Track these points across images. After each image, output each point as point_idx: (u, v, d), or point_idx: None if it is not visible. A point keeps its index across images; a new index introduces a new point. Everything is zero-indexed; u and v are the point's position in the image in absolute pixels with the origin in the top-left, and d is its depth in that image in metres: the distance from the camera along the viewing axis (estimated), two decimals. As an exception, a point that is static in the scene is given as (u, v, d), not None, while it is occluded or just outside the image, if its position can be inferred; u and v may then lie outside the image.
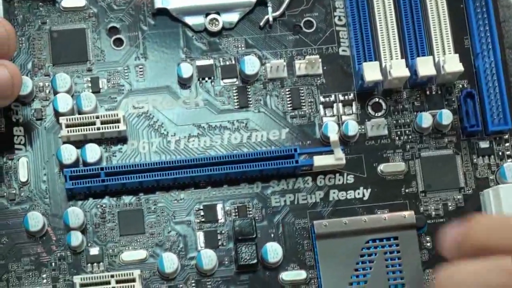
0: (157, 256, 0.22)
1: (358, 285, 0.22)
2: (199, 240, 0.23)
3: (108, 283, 0.21)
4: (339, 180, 0.23)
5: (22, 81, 0.22)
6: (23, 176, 0.23)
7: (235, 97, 0.24)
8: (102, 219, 0.23)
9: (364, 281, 0.22)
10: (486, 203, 0.23)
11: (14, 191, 0.23)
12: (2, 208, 0.23)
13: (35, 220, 0.22)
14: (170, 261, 0.22)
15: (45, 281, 0.22)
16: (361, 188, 0.23)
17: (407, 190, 0.23)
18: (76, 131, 0.22)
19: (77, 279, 0.22)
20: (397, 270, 0.22)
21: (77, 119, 0.23)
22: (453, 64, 0.23)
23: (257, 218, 0.23)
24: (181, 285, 0.22)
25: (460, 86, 0.24)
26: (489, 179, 0.24)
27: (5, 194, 0.23)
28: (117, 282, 0.21)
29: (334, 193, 0.23)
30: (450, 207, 0.23)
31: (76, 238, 0.22)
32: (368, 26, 0.24)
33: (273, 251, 0.22)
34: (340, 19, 0.25)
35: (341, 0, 0.25)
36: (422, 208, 0.23)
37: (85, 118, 0.22)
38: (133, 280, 0.22)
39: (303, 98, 0.24)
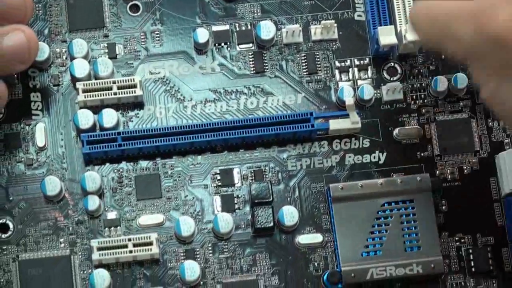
0: (174, 220, 0.23)
1: (374, 247, 0.22)
2: (216, 204, 0.23)
3: (126, 246, 0.22)
4: (355, 144, 0.23)
5: (39, 46, 0.23)
6: (40, 141, 0.23)
7: (251, 62, 0.24)
8: (119, 183, 0.23)
9: (380, 244, 0.22)
10: (501, 166, 0.23)
11: (31, 156, 0.23)
12: (19, 173, 0.23)
13: (53, 185, 0.22)
14: (187, 225, 0.22)
15: (62, 245, 0.22)
16: (377, 152, 0.23)
17: (422, 154, 0.23)
18: (92, 96, 0.23)
19: (94, 243, 0.22)
20: (412, 233, 0.23)
21: (94, 85, 0.23)
22: None
23: (273, 182, 0.23)
24: (197, 249, 0.23)
25: None
26: (504, 143, 0.24)
27: (22, 159, 0.23)
28: (134, 245, 0.22)
29: (350, 157, 0.23)
30: (466, 171, 0.24)
31: (93, 203, 0.22)
32: None
33: (289, 215, 0.23)
34: None
35: None
36: (437, 172, 0.23)
37: (102, 84, 0.23)
38: (150, 244, 0.22)
39: (318, 63, 0.24)
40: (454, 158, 0.24)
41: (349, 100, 0.23)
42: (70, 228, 0.23)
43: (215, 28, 0.25)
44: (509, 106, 0.19)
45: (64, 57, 0.24)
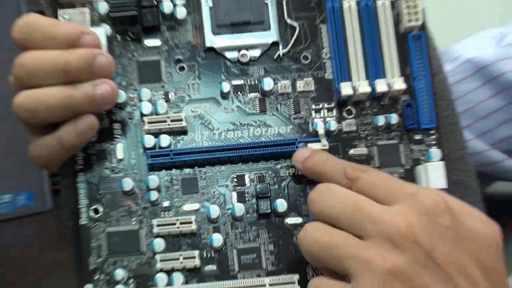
0: (206, 207, 0.31)
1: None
2: (233, 197, 0.32)
3: (174, 224, 0.30)
4: (324, 159, 0.33)
5: (119, 93, 0.31)
6: (119, 155, 0.32)
7: (257, 105, 0.33)
8: (170, 183, 0.32)
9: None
10: (418, 175, 0.32)
11: (114, 165, 0.32)
12: (106, 176, 0.31)
13: (127, 184, 0.31)
14: (214, 210, 0.31)
15: (134, 223, 0.31)
16: (338, 164, 0.33)
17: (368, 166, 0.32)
18: (154, 126, 0.31)
19: (154, 221, 0.31)
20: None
21: (155, 119, 0.31)
22: (399, 84, 0.31)
23: (270, 183, 0.32)
24: (221, 226, 0.31)
25: (403, 98, 0.32)
26: (420, 159, 0.32)
27: (108, 166, 0.31)
28: (180, 223, 0.31)
29: (321, 167, 0.33)
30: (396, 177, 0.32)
31: (153, 195, 0.31)
32: (344, 58, 0.32)
33: (281, 205, 0.31)
34: (326, 54, 0.33)
35: (327, 41, 0.33)
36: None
37: (160, 118, 0.31)
38: (190, 222, 0.31)
39: (301, 106, 0.33)
40: (388, 169, 0.32)
41: (321, 130, 0.31)
42: (139, 212, 0.31)
43: (234, 82, 0.32)
44: None
45: (135, 100, 0.32)
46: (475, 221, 0.25)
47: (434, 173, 0.31)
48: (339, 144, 0.33)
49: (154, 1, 0.32)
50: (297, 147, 0.31)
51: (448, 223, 0.24)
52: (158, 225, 0.31)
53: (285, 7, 0.33)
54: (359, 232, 0.25)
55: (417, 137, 0.33)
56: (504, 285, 0.25)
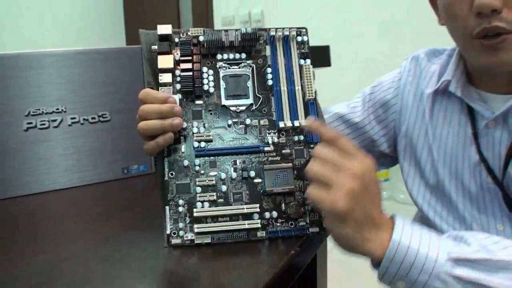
0: (219, 174, 0.71)
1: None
2: (231, 170, 0.70)
3: (205, 180, 0.69)
4: (271, 154, 0.74)
5: (183, 123, 0.73)
6: (183, 150, 0.71)
7: (243, 130, 0.72)
8: (204, 163, 0.69)
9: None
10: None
11: (180, 154, 0.69)
12: (176, 159, 0.69)
13: (186, 162, 0.69)
14: (223, 175, 0.71)
15: (188, 179, 0.71)
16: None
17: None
18: (198, 138, 0.73)
19: (197, 179, 0.69)
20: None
21: (198, 135, 0.74)
22: (304, 122, 0.73)
23: (248, 163, 0.69)
24: (226, 182, 0.70)
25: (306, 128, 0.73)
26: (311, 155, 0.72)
27: (177, 155, 0.69)
28: (208, 180, 0.70)
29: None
30: (303, 162, 0.70)
31: (196, 168, 0.72)
32: (280, 113, 0.75)
33: (252, 173, 0.71)
34: (273, 109, 0.76)
35: (273, 105, 0.77)
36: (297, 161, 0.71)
37: (200, 135, 0.74)
38: (212, 181, 0.70)
39: (262, 131, 0.70)
40: (298, 159, 0.73)
41: (270, 141, 0.74)
42: (189, 175, 0.70)
43: (233, 120, 0.74)
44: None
45: (190, 126, 0.70)
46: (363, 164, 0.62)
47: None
48: (277, 147, 0.70)
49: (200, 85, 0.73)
50: (261, 149, 0.71)
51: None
52: (198, 181, 0.67)
53: (256, 87, 0.75)
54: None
55: (312, 145, 0.72)
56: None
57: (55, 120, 0.97)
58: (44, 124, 0.96)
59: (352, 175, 0.59)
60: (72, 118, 0.99)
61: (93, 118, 1.01)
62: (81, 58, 1.00)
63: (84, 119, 1.00)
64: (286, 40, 0.75)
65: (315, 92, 0.73)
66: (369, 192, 0.60)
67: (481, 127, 0.85)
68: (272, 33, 0.75)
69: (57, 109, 0.98)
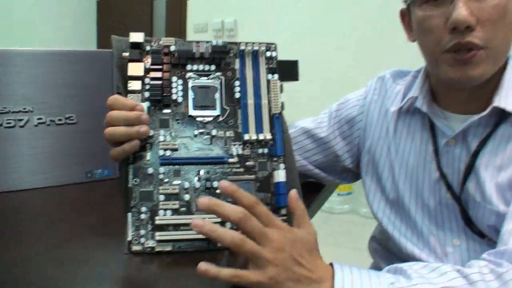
0: (183, 182, 0.73)
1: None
2: (195, 180, 0.73)
3: (168, 189, 0.71)
4: (236, 165, 0.75)
5: (149, 131, 0.75)
6: (148, 157, 0.72)
7: (210, 140, 0.74)
8: (168, 171, 0.71)
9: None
10: (276, 174, 0.75)
11: (145, 161, 0.71)
12: (141, 166, 0.72)
13: (150, 170, 0.71)
14: (186, 184, 0.73)
15: (151, 187, 0.73)
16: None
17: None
18: (164, 147, 0.74)
19: (160, 187, 0.71)
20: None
21: (164, 143, 0.75)
22: (268, 135, 0.75)
23: (211, 173, 0.71)
24: (189, 191, 0.73)
25: (270, 142, 0.73)
26: (275, 167, 0.72)
27: (143, 162, 0.72)
28: (172, 189, 0.72)
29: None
30: (266, 174, 0.74)
31: (161, 176, 0.73)
32: (246, 125, 0.77)
33: (216, 183, 0.74)
34: (240, 121, 0.77)
35: (240, 117, 0.79)
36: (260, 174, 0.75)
37: (166, 143, 0.75)
38: (175, 189, 0.73)
39: (227, 142, 0.73)
40: (262, 172, 0.75)
41: (235, 153, 0.76)
42: (153, 183, 0.73)
43: (200, 130, 0.76)
44: None
45: (156, 134, 0.74)
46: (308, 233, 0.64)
47: (281, 173, 0.73)
48: (241, 159, 0.72)
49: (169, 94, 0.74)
50: (225, 161, 0.72)
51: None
52: (162, 189, 0.68)
53: (223, 99, 0.76)
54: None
55: (275, 159, 0.75)
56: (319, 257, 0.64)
57: (21, 120, 0.97)
58: (10, 123, 0.96)
59: (275, 249, 0.59)
60: (38, 119, 0.99)
61: (60, 120, 1.01)
62: (51, 58, 1.00)
63: (50, 120, 1.00)
64: (255, 54, 0.77)
65: (281, 106, 0.75)
66: (297, 255, 0.60)
67: (442, 145, 0.89)
68: (242, 47, 0.76)
69: (24, 108, 0.97)
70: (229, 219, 0.58)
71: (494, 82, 0.84)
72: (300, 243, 0.61)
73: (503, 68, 0.86)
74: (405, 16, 0.94)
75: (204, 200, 0.59)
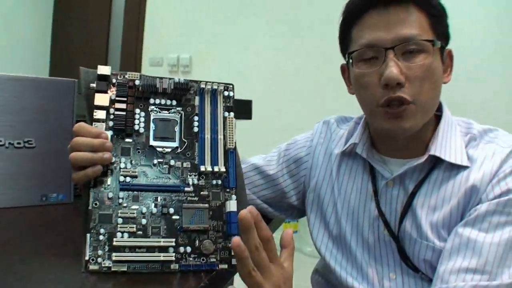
0: (141, 207, 0.78)
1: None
2: (152, 205, 0.76)
3: (127, 213, 0.75)
4: (191, 194, 0.81)
5: (112, 157, 0.79)
6: (108, 182, 0.76)
7: (167, 169, 0.80)
8: (127, 196, 0.76)
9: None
10: (227, 204, 0.79)
11: (105, 186, 0.76)
12: (102, 191, 0.76)
13: (110, 194, 0.77)
14: (144, 209, 0.78)
15: (110, 210, 0.75)
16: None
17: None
18: (124, 173, 0.79)
19: (119, 211, 0.74)
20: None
21: (125, 170, 0.79)
22: (222, 168, 0.82)
23: (168, 201, 0.76)
24: (146, 216, 0.78)
25: (224, 174, 0.80)
26: (228, 198, 0.78)
27: (103, 187, 0.75)
28: (130, 213, 0.76)
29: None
30: (218, 204, 0.80)
31: (120, 200, 0.77)
32: (202, 157, 0.83)
33: (171, 210, 0.77)
34: (197, 153, 0.83)
35: (197, 151, 0.84)
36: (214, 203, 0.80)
37: (127, 171, 0.79)
38: (133, 213, 0.77)
39: (184, 172, 0.78)
40: (215, 201, 0.80)
41: (191, 182, 0.81)
42: (112, 206, 0.77)
43: (158, 160, 0.80)
44: None
45: (118, 161, 0.77)
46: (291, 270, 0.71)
47: (233, 204, 0.79)
48: (197, 189, 0.79)
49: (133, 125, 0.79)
50: (181, 189, 0.78)
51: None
52: (120, 213, 0.72)
53: (182, 132, 0.82)
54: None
55: (228, 190, 0.81)
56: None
57: (-20, 142, 0.99)
58: (-32, 144, 0.98)
59: (274, 284, 0.67)
60: (-3, 141, 1.01)
61: (19, 143, 1.04)
62: (13, 84, 1.04)
63: (9, 143, 1.03)
64: (214, 93, 0.84)
65: (235, 142, 0.81)
66: None
67: (381, 186, 0.97)
68: (202, 85, 0.83)
69: (-17, 131, 1.00)
70: (248, 243, 0.65)
71: (427, 133, 0.95)
72: (289, 281, 0.70)
73: (438, 120, 0.97)
74: (345, 71, 1.04)
75: (247, 217, 0.65)
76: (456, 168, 0.90)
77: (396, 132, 0.89)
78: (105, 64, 4.27)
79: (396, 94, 0.85)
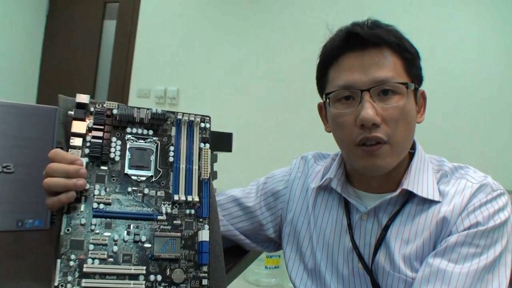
0: (113, 234, 0.77)
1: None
2: (125, 233, 0.78)
3: (99, 239, 0.75)
4: (163, 222, 0.82)
5: (86, 184, 0.79)
6: (82, 208, 0.77)
7: (141, 198, 0.80)
8: (100, 223, 0.76)
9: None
10: (200, 234, 0.82)
11: (79, 212, 0.76)
12: (75, 216, 0.77)
13: (83, 220, 0.78)
14: (116, 236, 0.78)
15: (82, 236, 0.75)
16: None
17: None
18: (98, 200, 0.79)
19: (91, 237, 0.76)
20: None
21: (99, 197, 0.80)
22: (196, 198, 0.83)
23: (141, 228, 0.78)
24: (118, 243, 0.78)
25: (198, 204, 0.83)
26: (200, 228, 0.80)
27: (77, 213, 0.77)
28: (102, 240, 0.77)
29: (161, 225, 0.81)
30: (191, 233, 0.82)
31: (92, 227, 0.78)
32: (176, 188, 0.84)
33: (143, 237, 0.78)
34: (172, 183, 0.84)
35: (172, 179, 0.85)
36: (186, 232, 0.81)
37: (100, 197, 0.80)
38: (105, 240, 0.77)
39: (158, 201, 0.80)
40: (187, 230, 0.82)
41: (164, 211, 0.82)
42: (85, 233, 0.78)
43: (133, 188, 0.82)
44: None
45: (92, 188, 0.78)
46: None
47: (205, 233, 0.79)
48: (170, 217, 0.80)
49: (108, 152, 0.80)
50: (155, 218, 0.79)
51: None
52: (92, 239, 0.73)
53: (158, 161, 0.83)
54: None
55: (201, 219, 0.82)
56: None
57: (-43, 165, 1.00)
58: None
59: None
60: (-25, 165, 1.02)
61: (-3, 168, 1.04)
62: (-5, 109, 1.05)
63: (-13, 167, 1.03)
64: (190, 124, 0.85)
65: (210, 173, 0.83)
66: None
67: (355, 219, 1.00)
68: (179, 116, 0.85)
69: (-38, 155, 1.00)
70: None
71: (401, 170, 0.99)
72: None
73: (410, 158, 1.01)
74: (322, 109, 1.08)
75: None
76: (428, 203, 0.94)
77: (371, 169, 0.93)
78: (93, 93, 4.30)
79: (372, 134, 0.89)
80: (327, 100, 0.97)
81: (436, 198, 0.92)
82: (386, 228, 0.93)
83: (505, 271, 0.84)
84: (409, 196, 0.94)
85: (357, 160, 0.93)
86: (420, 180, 0.94)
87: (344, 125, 0.93)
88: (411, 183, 0.94)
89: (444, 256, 0.85)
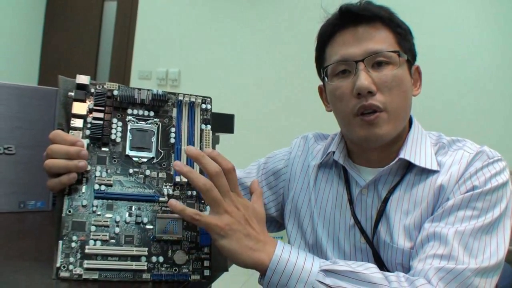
0: (115, 216, 0.77)
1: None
2: (126, 214, 0.78)
3: (100, 221, 0.76)
4: (165, 204, 0.82)
5: (87, 165, 0.79)
6: (83, 190, 0.76)
7: (143, 179, 0.80)
8: (102, 204, 0.77)
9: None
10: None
11: (80, 194, 0.75)
12: (76, 198, 0.75)
13: (84, 202, 0.77)
14: (118, 218, 0.77)
15: (84, 218, 0.75)
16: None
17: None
18: (99, 181, 0.80)
19: (92, 218, 0.74)
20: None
21: (101, 178, 0.79)
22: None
23: (142, 209, 0.77)
24: (120, 224, 0.78)
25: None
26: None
27: (78, 194, 0.77)
28: (103, 221, 0.77)
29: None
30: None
31: (94, 208, 0.78)
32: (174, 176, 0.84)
33: (145, 219, 0.78)
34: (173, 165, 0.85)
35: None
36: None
37: (102, 179, 0.80)
38: (106, 221, 0.77)
39: (160, 183, 0.80)
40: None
41: (165, 192, 0.82)
42: (86, 214, 0.78)
43: (134, 170, 0.80)
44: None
45: (93, 169, 0.79)
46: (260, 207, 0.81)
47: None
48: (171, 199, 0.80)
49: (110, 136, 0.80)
50: (156, 199, 0.78)
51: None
52: (94, 221, 0.74)
53: (159, 143, 0.83)
54: None
55: (202, 201, 0.81)
56: None
57: (-42, 147, 1.00)
58: None
59: (233, 206, 0.75)
60: (-24, 147, 1.02)
61: (-2, 149, 1.04)
62: (-4, 91, 1.04)
63: (-12, 149, 1.03)
64: (191, 105, 0.85)
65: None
66: (249, 219, 0.76)
67: (356, 194, 1.02)
68: (180, 98, 0.84)
69: (-37, 136, 1.00)
70: (207, 168, 0.73)
71: (399, 143, 1.01)
72: (252, 211, 0.77)
73: (408, 130, 1.02)
74: (322, 91, 1.11)
75: (179, 164, 0.74)
76: (426, 173, 0.95)
77: (370, 139, 0.95)
78: (94, 75, 4.29)
79: (368, 102, 0.92)
80: (326, 78, 1.00)
81: (434, 167, 0.94)
82: (385, 201, 0.95)
83: (503, 236, 0.85)
84: (408, 167, 0.96)
85: (356, 130, 0.95)
86: (418, 150, 0.97)
87: (342, 96, 0.96)
88: (407, 153, 0.96)
89: (441, 220, 0.86)
